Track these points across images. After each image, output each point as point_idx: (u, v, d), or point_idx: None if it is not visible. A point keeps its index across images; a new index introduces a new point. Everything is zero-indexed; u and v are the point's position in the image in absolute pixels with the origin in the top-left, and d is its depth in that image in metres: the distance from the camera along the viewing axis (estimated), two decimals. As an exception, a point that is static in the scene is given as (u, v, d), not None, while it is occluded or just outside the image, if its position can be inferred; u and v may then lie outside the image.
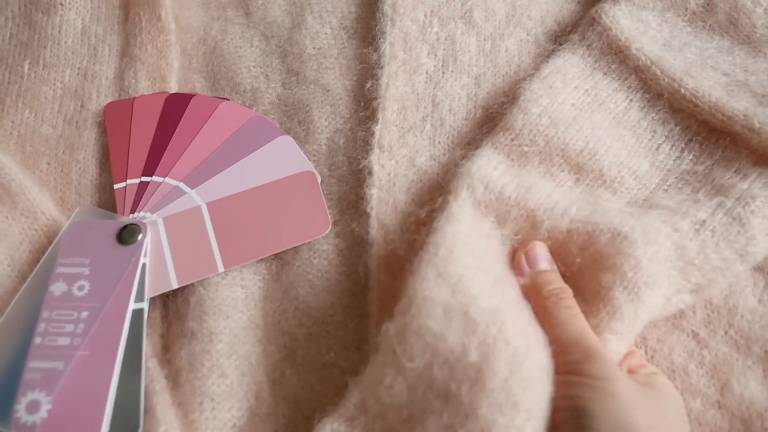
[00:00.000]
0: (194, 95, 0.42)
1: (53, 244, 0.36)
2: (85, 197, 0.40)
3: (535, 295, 0.32)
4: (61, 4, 0.45)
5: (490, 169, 0.36)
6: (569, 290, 0.32)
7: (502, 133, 0.37)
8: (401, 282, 0.34)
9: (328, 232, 0.37)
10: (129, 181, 0.39)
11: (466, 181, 0.35)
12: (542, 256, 0.33)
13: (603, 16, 0.41)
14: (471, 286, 0.30)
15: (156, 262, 0.36)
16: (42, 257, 0.37)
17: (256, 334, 0.36)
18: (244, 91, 0.43)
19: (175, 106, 0.42)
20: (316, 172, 0.39)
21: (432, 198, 0.38)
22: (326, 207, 0.38)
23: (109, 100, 0.43)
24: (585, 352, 0.29)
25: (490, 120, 0.40)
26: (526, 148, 0.37)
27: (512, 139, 0.37)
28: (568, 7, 0.45)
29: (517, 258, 0.33)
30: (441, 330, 0.29)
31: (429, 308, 0.29)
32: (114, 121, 0.42)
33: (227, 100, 0.42)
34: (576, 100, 0.39)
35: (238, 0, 0.46)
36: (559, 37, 0.44)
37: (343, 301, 0.37)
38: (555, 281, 0.32)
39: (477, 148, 0.38)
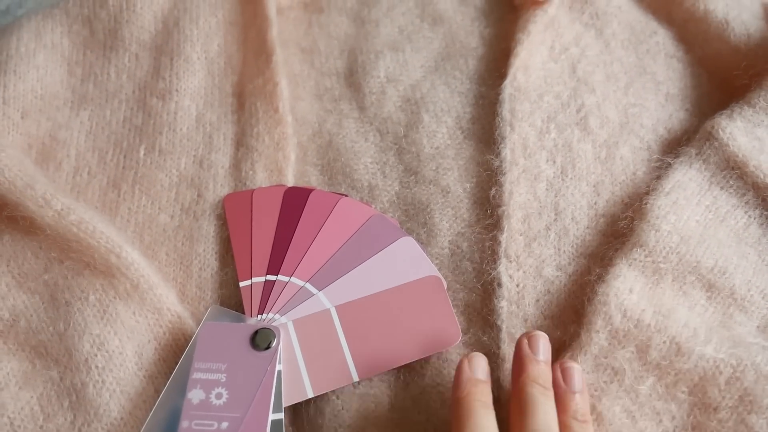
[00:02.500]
0: (313, 189, 0.43)
1: (189, 346, 0.36)
2: (206, 292, 0.40)
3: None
4: (177, 90, 0.46)
5: (627, 292, 0.36)
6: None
7: (635, 249, 0.37)
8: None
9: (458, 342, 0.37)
10: (254, 279, 0.39)
11: (603, 309, 0.35)
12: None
13: (720, 132, 0.42)
14: None
15: (290, 369, 0.36)
16: (166, 355, 0.37)
17: (388, 446, 0.35)
18: (361, 188, 0.44)
19: (295, 201, 0.42)
20: (441, 277, 0.39)
21: (561, 313, 0.38)
22: (455, 316, 0.38)
23: (226, 190, 0.43)
24: None
25: (612, 229, 0.41)
26: (661, 265, 0.37)
27: (646, 256, 0.37)
28: (677, 115, 0.46)
29: (520, 345, 0.34)
30: None
31: None
32: (234, 214, 0.42)
33: (346, 196, 0.43)
34: (700, 216, 0.39)
35: (352, 94, 0.47)
36: (671, 146, 0.44)
37: (474, 414, 0.36)
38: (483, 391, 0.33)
39: (603, 262, 0.38)
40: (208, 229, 0.42)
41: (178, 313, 0.38)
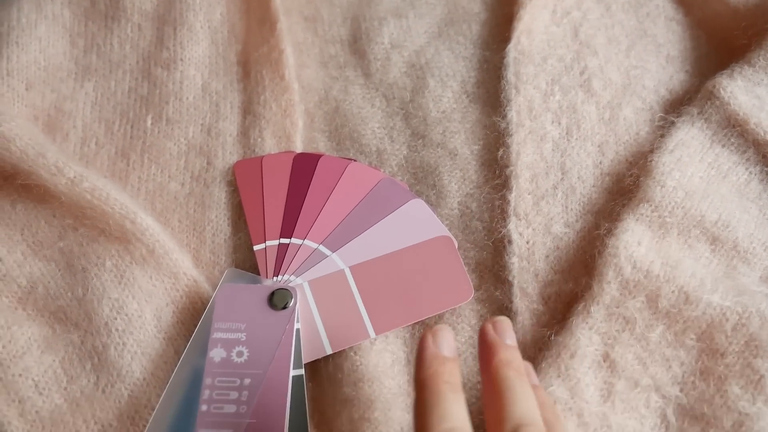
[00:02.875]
0: (322, 155, 0.43)
1: (207, 308, 0.37)
2: (220, 256, 0.40)
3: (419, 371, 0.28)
4: (181, 59, 0.46)
5: (635, 245, 0.37)
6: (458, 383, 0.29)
7: (642, 204, 0.38)
8: (545, 350, 0.36)
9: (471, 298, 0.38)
10: (268, 243, 0.40)
11: (613, 261, 0.36)
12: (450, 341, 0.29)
13: (721, 91, 0.42)
14: (585, 391, 0.34)
15: (307, 328, 0.37)
16: (184, 318, 0.37)
17: (406, 401, 0.36)
18: (369, 152, 0.44)
19: (304, 166, 0.42)
20: (452, 236, 0.40)
21: (571, 267, 0.39)
22: (467, 274, 0.39)
23: (235, 157, 0.43)
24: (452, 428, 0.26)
25: (618, 187, 0.41)
26: (667, 219, 0.38)
27: (653, 211, 0.38)
28: (678, 76, 0.47)
29: (485, 330, 0.30)
30: None
31: None
32: (245, 180, 0.42)
33: (354, 161, 0.43)
34: (703, 173, 0.40)
35: (357, 61, 0.47)
36: (672, 106, 0.45)
37: (488, 368, 0.37)
38: (450, 371, 0.28)
39: (611, 217, 0.39)
40: (219, 195, 0.42)
41: (194, 277, 0.38)
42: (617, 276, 0.36)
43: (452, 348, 0.29)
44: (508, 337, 0.30)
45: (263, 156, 0.43)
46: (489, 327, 0.30)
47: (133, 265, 0.38)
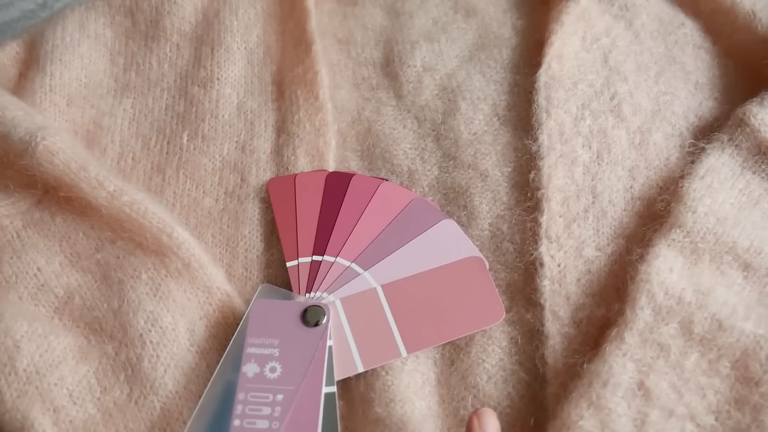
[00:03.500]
0: (354, 174, 0.44)
1: (241, 322, 0.37)
2: (252, 272, 0.41)
3: None
4: (218, 78, 0.47)
5: (667, 271, 0.37)
6: None
7: (673, 230, 0.38)
8: (576, 377, 0.35)
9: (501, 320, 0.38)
10: (301, 260, 0.40)
11: (646, 287, 0.36)
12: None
13: (751, 118, 0.43)
14: (617, 422, 0.33)
15: (340, 345, 0.37)
16: (217, 332, 0.38)
17: (436, 422, 0.36)
18: (401, 172, 0.45)
19: (337, 185, 0.43)
20: (483, 258, 0.40)
21: (603, 291, 0.39)
22: (498, 295, 0.39)
23: (269, 174, 0.44)
24: None
25: (648, 212, 0.41)
26: (699, 245, 0.38)
27: (684, 236, 0.38)
28: (707, 103, 0.47)
29: (471, 426, 0.32)
30: None
31: None
32: (278, 197, 0.43)
33: (386, 180, 0.44)
34: (734, 199, 0.40)
35: (389, 83, 0.48)
36: (702, 132, 0.45)
37: (519, 391, 0.37)
38: None
39: (643, 242, 0.39)
40: (253, 211, 0.43)
41: (227, 291, 0.39)
42: (650, 302, 0.36)
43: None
44: (489, 428, 0.32)
45: (297, 174, 0.43)
46: (474, 421, 0.32)
47: (168, 279, 0.38)
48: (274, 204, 0.42)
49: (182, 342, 0.37)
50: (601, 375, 0.34)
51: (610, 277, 0.39)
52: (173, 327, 0.37)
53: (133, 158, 0.45)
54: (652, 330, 0.35)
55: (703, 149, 0.43)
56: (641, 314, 0.36)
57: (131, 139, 0.46)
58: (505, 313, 0.38)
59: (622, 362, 0.35)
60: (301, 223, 0.41)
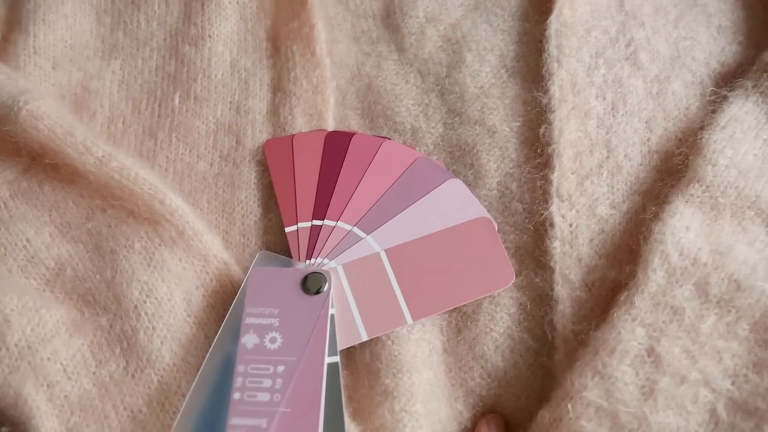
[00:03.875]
0: (354, 133, 0.41)
1: (239, 292, 0.35)
2: (250, 238, 0.39)
3: None
4: (209, 36, 0.45)
5: (684, 230, 0.35)
6: None
7: (692, 185, 0.36)
8: (585, 345, 0.34)
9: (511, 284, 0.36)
10: (300, 225, 0.38)
11: (659, 247, 0.34)
12: None
13: (779, 62, 0.40)
14: (624, 390, 0.31)
15: (342, 313, 0.35)
16: (214, 302, 0.36)
17: (444, 392, 0.35)
18: (404, 130, 0.42)
19: (337, 145, 0.41)
20: (491, 218, 0.38)
21: (616, 252, 0.37)
22: (508, 257, 0.37)
23: (265, 136, 0.42)
24: None
25: (666, 166, 0.39)
26: (720, 200, 0.36)
27: (703, 191, 0.36)
28: (730, 48, 0.44)
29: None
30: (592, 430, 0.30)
31: (583, 407, 0.31)
32: (275, 160, 0.41)
33: (388, 139, 0.42)
34: (758, 150, 0.38)
35: (390, 36, 0.45)
36: (724, 79, 0.42)
37: (526, 360, 0.36)
38: None
39: (659, 198, 0.37)
40: (249, 175, 0.41)
41: (224, 259, 0.37)
42: (663, 263, 0.34)
43: None
44: None
45: (294, 134, 0.41)
46: (483, 426, 0.33)
47: (162, 247, 0.37)
48: (271, 167, 0.41)
49: (179, 313, 0.35)
50: (608, 342, 0.33)
51: (624, 237, 0.37)
52: (169, 297, 0.35)
53: (123, 122, 0.43)
54: (665, 293, 0.33)
55: (725, 97, 0.40)
56: (653, 276, 0.34)
57: (121, 102, 0.44)
58: (514, 277, 0.37)
59: (631, 327, 0.33)
60: (299, 187, 0.40)
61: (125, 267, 0.36)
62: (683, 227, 0.35)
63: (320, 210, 0.39)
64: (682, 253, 0.34)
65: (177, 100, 0.43)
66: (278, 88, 0.43)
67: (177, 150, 0.42)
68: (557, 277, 0.36)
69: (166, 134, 0.42)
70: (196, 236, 0.37)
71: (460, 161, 0.41)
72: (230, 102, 0.43)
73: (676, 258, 0.34)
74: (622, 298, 0.34)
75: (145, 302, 0.35)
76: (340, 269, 0.37)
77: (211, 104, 0.43)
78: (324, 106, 0.42)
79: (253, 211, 0.40)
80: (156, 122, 0.43)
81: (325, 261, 0.37)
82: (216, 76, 0.44)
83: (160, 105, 0.43)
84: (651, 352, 0.33)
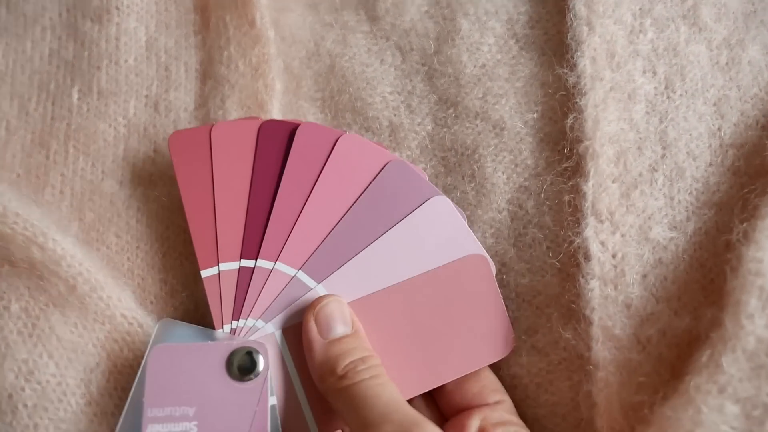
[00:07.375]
0: (299, 124, 0.31)
1: (136, 380, 0.26)
2: (175, 287, 0.32)
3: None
4: (117, 8, 0.37)
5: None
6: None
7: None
8: (642, 426, 0.26)
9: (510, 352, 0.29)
10: (222, 266, 0.29)
11: (757, 282, 0.25)
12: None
13: None
14: None
15: (286, 403, 0.27)
16: (124, 382, 0.29)
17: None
18: (379, 128, 0.34)
19: (275, 141, 0.30)
20: (488, 256, 0.29)
21: (683, 292, 0.29)
22: (507, 314, 0.29)
23: (193, 140, 0.33)
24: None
25: (747, 165, 0.30)
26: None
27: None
28: (825, -4, 0.34)
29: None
30: None
31: None
32: (185, 165, 0.30)
33: (346, 133, 0.31)
34: None
35: (358, 0, 0.36)
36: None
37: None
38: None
39: (744, 213, 0.29)
40: (174, 197, 0.33)
41: (138, 319, 0.30)
42: (765, 306, 0.26)
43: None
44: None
45: (212, 125, 0.31)
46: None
47: (49, 308, 0.30)
48: (180, 175, 0.30)
49: (71, 402, 0.29)
50: (683, 425, 0.25)
51: (693, 270, 0.29)
52: (58, 381, 0.29)
53: (6, 128, 0.35)
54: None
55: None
56: (750, 326, 0.26)
57: (4, 101, 0.36)
58: (514, 342, 0.29)
59: (718, 404, 0.25)
60: (221, 207, 0.29)
61: (-6, 341, 0.28)
62: None
63: (251, 244, 0.29)
64: None
65: (76, 96, 0.36)
66: (208, 75, 0.36)
67: (76, 164, 0.35)
68: (596, 331, 0.29)
69: (62, 143, 0.35)
70: (93, 291, 0.30)
71: (457, 171, 0.33)
72: (146, 96, 0.36)
73: None
74: (703, 360, 0.26)
75: (24, 389, 0.29)
76: (278, 335, 0.28)
77: (121, 100, 0.36)
78: (267, 94, 0.35)
79: (178, 248, 0.32)
80: (49, 127, 0.35)
81: (259, 323, 0.28)
82: (126, 61, 0.36)
83: (53, 103, 0.36)
84: None
